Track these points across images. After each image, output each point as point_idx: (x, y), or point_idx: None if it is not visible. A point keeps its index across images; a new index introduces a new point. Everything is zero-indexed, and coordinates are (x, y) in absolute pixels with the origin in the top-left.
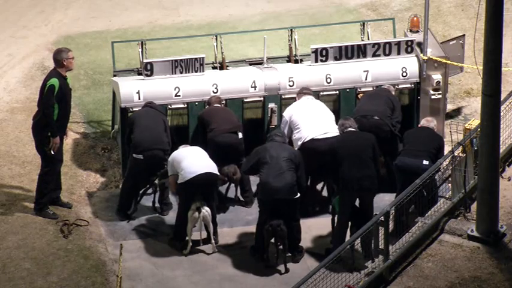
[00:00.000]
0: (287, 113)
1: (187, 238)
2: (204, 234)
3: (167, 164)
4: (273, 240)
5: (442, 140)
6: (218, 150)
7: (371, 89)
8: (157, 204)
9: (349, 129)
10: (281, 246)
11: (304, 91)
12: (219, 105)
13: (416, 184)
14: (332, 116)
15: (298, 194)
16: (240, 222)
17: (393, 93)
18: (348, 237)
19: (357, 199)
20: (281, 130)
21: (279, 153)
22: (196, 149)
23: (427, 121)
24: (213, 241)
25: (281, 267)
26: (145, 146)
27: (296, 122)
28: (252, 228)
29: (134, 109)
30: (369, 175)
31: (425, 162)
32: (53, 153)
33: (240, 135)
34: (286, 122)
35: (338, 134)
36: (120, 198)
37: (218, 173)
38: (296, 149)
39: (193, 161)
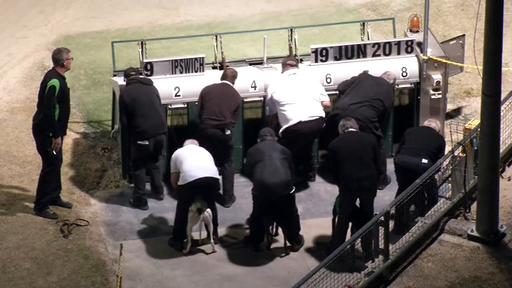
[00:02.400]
0: (270, 90)
1: (186, 239)
2: (204, 234)
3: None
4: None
5: (443, 141)
6: (207, 142)
7: None
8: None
9: (350, 129)
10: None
11: (288, 62)
12: (227, 84)
13: (416, 184)
14: (317, 90)
15: (294, 188)
16: (240, 222)
17: (391, 80)
18: (348, 237)
19: (357, 199)
20: (271, 129)
21: (272, 152)
22: (199, 150)
23: (429, 121)
24: (212, 241)
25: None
26: (150, 134)
27: (280, 101)
28: None
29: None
30: (369, 175)
31: (424, 161)
32: (55, 153)
33: (228, 131)
34: (270, 98)
35: (322, 115)
36: (136, 189)
37: (219, 177)
38: (281, 127)
39: (194, 162)
